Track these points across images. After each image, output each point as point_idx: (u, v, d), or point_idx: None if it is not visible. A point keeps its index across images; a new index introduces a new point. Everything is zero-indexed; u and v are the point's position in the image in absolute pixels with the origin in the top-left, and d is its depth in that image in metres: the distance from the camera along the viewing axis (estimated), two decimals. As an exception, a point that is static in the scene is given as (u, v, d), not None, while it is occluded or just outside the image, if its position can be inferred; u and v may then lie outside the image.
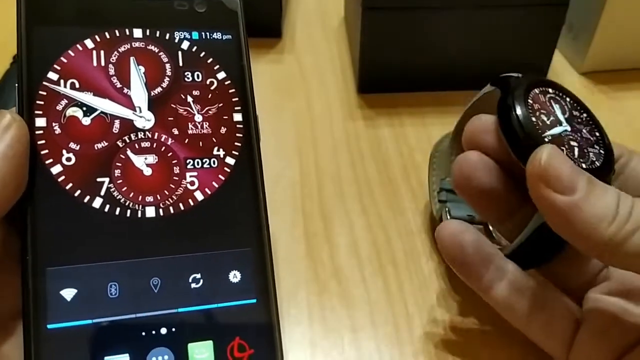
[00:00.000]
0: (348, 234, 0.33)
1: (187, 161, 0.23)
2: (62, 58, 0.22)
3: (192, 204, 0.23)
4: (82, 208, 0.21)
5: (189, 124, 0.23)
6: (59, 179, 0.21)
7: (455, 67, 0.42)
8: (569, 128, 0.25)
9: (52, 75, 0.22)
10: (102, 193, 0.22)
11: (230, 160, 0.23)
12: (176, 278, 0.22)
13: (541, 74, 0.42)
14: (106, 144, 0.22)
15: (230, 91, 0.24)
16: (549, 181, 0.21)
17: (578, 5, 0.41)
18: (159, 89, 0.23)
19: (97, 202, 0.22)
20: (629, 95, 0.43)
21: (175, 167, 0.23)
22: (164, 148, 0.23)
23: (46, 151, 0.21)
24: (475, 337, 0.28)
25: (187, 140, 0.23)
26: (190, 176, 0.23)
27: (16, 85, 0.22)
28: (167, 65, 0.24)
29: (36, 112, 0.22)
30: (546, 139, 0.23)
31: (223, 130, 0.24)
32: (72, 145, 0.22)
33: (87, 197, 0.21)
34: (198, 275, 0.22)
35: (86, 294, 0.21)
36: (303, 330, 0.28)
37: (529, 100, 0.25)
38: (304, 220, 0.33)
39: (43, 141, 0.22)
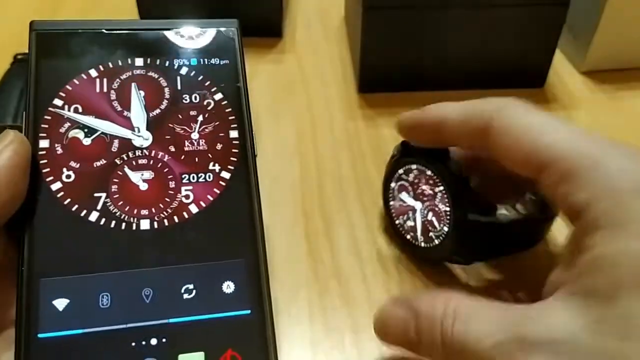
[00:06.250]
0: (349, 234, 0.33)
1: (183, 176, 0.24)
2: (67, 86, 0.24)
3: (186, 216, 0.23)
4: (78, 221, 0.22)
5: (186, 141, 0.24)
6: (58, 195, 0.22)
7: (456, 67, 0.42)
8: (420, 204, 0.29)
9: (57, 102, 0.24)
10: (99, 207, 0.22)
11: (225, 175, 0.24)
12: (168, 289, 0.22)
13: (541, 73, 0.42)
14: (105, 161, 0.23)
15: (227, 110, 0.25)
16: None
17: (578, 5, 0.41)
18: (157, 111, 0.25)
19: (94, 216, 0.22)
20: (630, 94, 0.43)
21: (170, 182, 0.24)
22: (160, 164, 0.24)
23: (48, 169, 0.23)
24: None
25: (183, 156, 0.24)
26: (186, 190, 0.23)
27: (24, 112, 0.23)
28: (166, 89, 0.25)
29: (40, 134, 0.23)
30: (421, 243, 0.30)
31: (219, 146, 0.24)
32: (73, 163, 0.23)
33: (84, 211, 0.22)
34: (191, 286, 0.22)
35: (78, 304, 0.21)
36: (303, 330, 0.28)
37: (397, 222, 0.31)
38: (305, 219, 0.33)
39: (45, 160, 0.23)
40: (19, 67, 0.40)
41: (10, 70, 0.40)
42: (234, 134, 0.25)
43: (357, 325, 0.28)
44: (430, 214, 0.29)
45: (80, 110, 0.24)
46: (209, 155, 0.24)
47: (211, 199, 0.23)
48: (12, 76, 0.39)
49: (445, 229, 0.28)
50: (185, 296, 0.22)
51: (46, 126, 0.23)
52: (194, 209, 0.23)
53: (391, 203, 0.31)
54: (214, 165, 0.24)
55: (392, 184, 0.31)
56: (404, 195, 0.30)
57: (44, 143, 0.23)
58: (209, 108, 0.25)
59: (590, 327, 0.19)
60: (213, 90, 0.25)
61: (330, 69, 0.45)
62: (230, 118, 0.25)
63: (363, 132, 0.39)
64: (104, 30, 0.25)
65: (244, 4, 0.44)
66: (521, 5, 0.39)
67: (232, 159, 0.24)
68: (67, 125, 0.23)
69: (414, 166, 0.29)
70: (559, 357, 0.19)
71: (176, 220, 0.23)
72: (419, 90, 0.42)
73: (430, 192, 0.28)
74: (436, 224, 0.29)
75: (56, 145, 0.23)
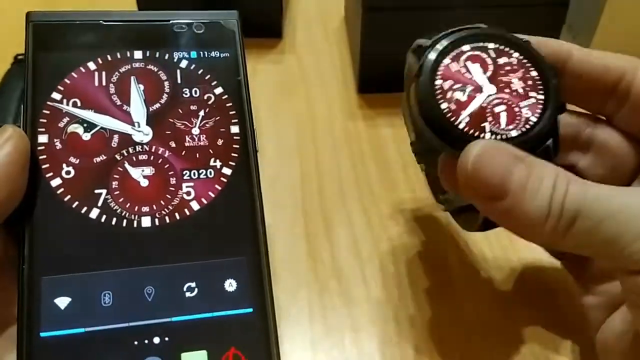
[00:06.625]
0: (348, 234, 0.33)
1: (184, 172, 0.23)
2: (65, 79, 0.24)
3: (188, 213, 0.23)
4: (79, 218, 0.22)
5: (186, 136, 0.24)
6: (58, 191, 0.22)
7: (456, 67, 0.42)
8: (494, 89, 0.23)
9: (56, 95, 0.23)
10: (99, 204, 0.22)
11: (226, 171, 0.24)
12: (171, 287, 0.21)
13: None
14: (105, 157, 0.23)
15: (228, 105, 0.25)
16: (478, 189, 0.21)
17: (578, 5, 0.41)
18: (157, 105, 0.24)
19: (94, 213, 0.22)
20: (629, 94, 0.43)
21: (171, 178, 0.23)
22: (160, 160, 0.23)
23: (47, 165, 0.22)
24: (478, 336, 0.28)
25: (184, 152, 0.24)
26: (187, 186, 0.23)
27: (22, 106, 0.23)
28: (166, 83, 0.25)
29: (39, 129, 0.23)
30: (462, 123, 0.22)
31: (220, 142, 0.24)
32: (72, 159, 0.23)
33: (85, 208, 0.22)
34: (193, 284, 0.22)
35: (80, 303, 0.21)
36: (303, 330, 0.28)
37: (437, 83, 0.24)
38: (305, 219, 0.33)
39: (44, 156, 0.22)
40: (20, 68, 0.40)
41: (11, 71, 0.40)
42: (234, 129, 0.24)
43: (357, 325, 0.28)
44: (501, 107, 0.23)
45: (79, 104, 0.23)
46: (210, 150, 0.24)
47: (212, 195, 0.23)
48: (13, 76, 0.39)
49: (514, 133, 0.23)
50: (188, 294, 0.21)
51: (45, 121, 0.23)
52: (195, 205, 0.23)
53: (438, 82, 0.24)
54: (215, 161, 0.24)
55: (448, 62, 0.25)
56: (474, 67, 0.24)
57: (42, 138, 0.23)
58: (209, 102, 0.25)
59: None
60: (213, 84, 0.25)
61: (330, 69, 0.45)
62: (231, 113, 0.25)
63: (363, 132, 0.39)
64: (102, 22, 0.25)
65: (244, 4, 0.44)
66: (521, 6, 0.39)
67: (233, 154, 0.24)
68: (66, 119, 0.23)
69: (487, 50, 0.25)
70: None
71: (177, 217, 0.23)
72: (419, 90, 0.42)
73: (513, 85, 0.24)
74: (503, 121, 0.23)
75: (55, 140, 0.23)
